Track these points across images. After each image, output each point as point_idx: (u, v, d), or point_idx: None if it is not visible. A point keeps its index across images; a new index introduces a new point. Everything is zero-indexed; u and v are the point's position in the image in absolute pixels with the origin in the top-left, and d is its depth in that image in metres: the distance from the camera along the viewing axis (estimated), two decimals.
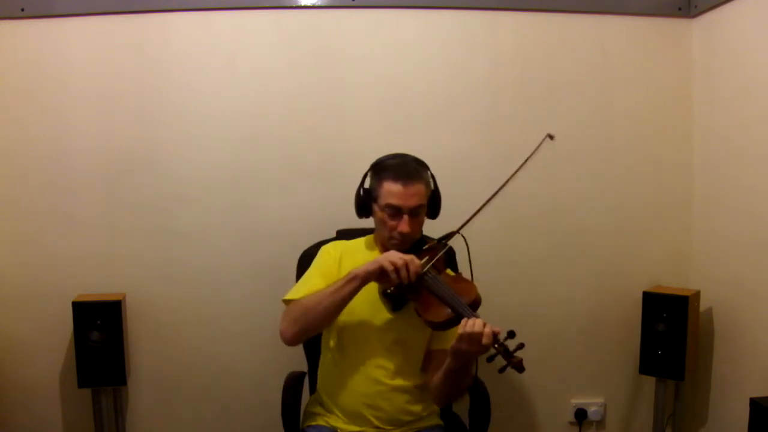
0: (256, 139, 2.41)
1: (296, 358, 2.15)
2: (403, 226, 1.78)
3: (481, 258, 2.46)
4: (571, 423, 2.61)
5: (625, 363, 2.53)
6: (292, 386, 2.00)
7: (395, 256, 1.70)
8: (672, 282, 2.48)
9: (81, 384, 2.21)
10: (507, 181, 1.73)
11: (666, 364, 2.32)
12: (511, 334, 1.61)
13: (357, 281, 1.71)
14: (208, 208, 2.41)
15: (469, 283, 1.79)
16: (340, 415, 1.86)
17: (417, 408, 1.87)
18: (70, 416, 2.43)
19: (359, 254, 1.92)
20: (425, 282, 1.74)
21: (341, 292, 1.71)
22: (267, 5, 2.37)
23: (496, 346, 1.59)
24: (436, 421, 1.94)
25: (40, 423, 2.41)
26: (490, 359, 1.60)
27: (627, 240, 2.54)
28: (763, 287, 2.13)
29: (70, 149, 2.35)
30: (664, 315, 2.31)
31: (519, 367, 1.58)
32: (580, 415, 2.58)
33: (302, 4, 2.39)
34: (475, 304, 1.70)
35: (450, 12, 2.42)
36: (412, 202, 1.78)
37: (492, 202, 2.48)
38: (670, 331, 2.30)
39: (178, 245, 2.41)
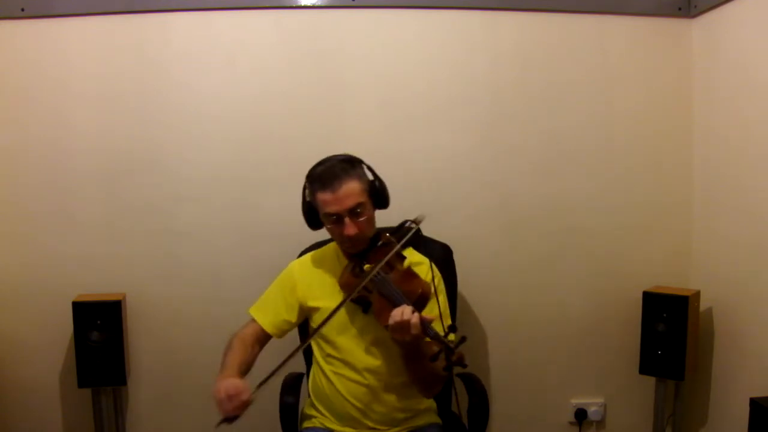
0: (256, 139, 2.41)
1: (295, 359, 2.14)
2: (348, 229, 1.76)
3: (481, 258, 2.49)
4: (571, 423, 2.61)
5: (625, 363, 2.52)
6: (291, 387, 2.01)
7: (219, 392, 1.66)
8: (672, 282, 2.47)
9: (81, 384, 2.21)
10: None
11: (666, 364, 2.32)
12: (452, 328, 1.58)
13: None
14: (208, 208, 2.41)
15: (416, 279, 1.75)
16: (333, 419, 1.87)
17: (408, 404, 1.87)
18: (70, 416, 2.43)
19: (326, 264, 1.93)
20: (376, 285, 1.73)
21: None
22: (267, 5, 2.38)
23: (438, 342, 1.56)
24: (434, 419, 1.94)
25: (40, 423, 2.41)
26: (434, 358, 1.56)
27: (627, 240, 2.54)
28: (763, 287, 2.13)
29: (70, 149, 2.35)
30: (664, 315, 2.31)
31: (460, 362, 1.54)
32: (580, 415, 2.58)
33: (302, 4, 2.39)
34: (419, 302, 1.67)
35: (450, 12, 2.42)
36: (347, 204, 1.75)
37: (492, 202, 2.48)
38: (670, 331, 2.30)
39: (178, 245, 2.41)
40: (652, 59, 2.49)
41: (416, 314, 1.59)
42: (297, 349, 1.74)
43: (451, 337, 1.60)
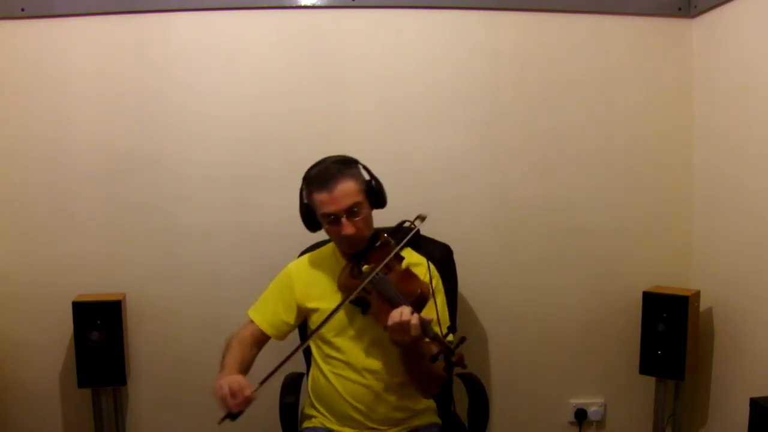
0: (256, 139, 2.41)
1: (295, 359, 2.15)
2: (345, 229, 1.76)
3: (481, 258, 2.49)
4: (571, 423, 2.61)
5: (625, 363, 2.52)
6: (291, 387, 2.00)
7: (221, 387, 1.65)
8: (672, 282, 2.47)
9: (81, 384, 2.22)
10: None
11: (666, 364, 2.32)
12: (452, 329, 1.59)
13: None
14: (208, 208, 2.41)
15: (415, 280, 1.75)
16: (333, 419, 1.87)
17: (407, 404, 1.87)
18: (70, 416, 2.43)
19: (324, 265, 1.93)
20: (375, 285, 1.73)
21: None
22: (267, 5, 2.38)
23: (437, 343, 1.56)
24: (434, 419, 1.94)
25: (40, 423, 2.41)
26: (434, 359, 1.55)
27: (627, 240, 2.54)
28: (763, 287, 2.13)
29: (70, 149, 2.36)
30: (664, 315, 2.31)
31: (460, 363, 1.53)
32: (580, 415, 2.58)
33: (302, 4, 2.39)
34: (418, 303, 1.66)
35: (450, 12, 2.42)
36: (344, 204, 1.75)
37: (492, 202, 2.48)
38: (670, 331, 2.30)
39: (178, 245, 2.41)
40: (652, 59, 2.49)
41: (415, 315, 1.59)
42: (297, 348, 1.74)
43: (450, 337, 1.61)
